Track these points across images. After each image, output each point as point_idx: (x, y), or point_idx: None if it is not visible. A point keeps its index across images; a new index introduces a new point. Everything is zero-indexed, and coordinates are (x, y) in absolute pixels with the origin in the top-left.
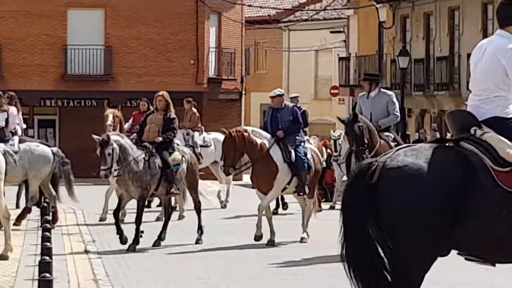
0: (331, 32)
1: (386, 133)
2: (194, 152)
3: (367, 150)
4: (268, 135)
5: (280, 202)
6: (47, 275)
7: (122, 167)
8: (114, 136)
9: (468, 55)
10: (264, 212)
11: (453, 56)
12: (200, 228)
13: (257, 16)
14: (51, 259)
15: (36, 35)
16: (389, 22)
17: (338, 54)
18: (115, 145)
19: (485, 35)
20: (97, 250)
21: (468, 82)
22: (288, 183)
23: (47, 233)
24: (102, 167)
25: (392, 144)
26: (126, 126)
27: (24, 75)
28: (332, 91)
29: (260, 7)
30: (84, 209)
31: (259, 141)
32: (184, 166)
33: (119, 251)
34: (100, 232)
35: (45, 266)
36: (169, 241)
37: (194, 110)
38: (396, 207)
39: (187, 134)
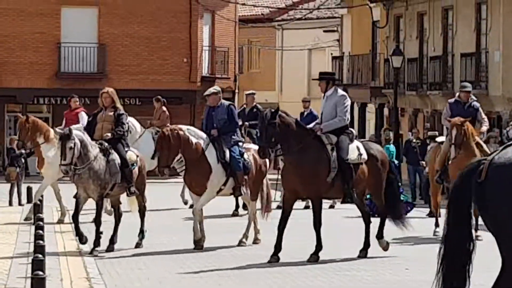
0: (324, 31)
1: (332, 135)
2: None
3: (279, 149)
4: (201, 132)
5: (240, 203)
6: (40, 273)
7: (84, 165)
8: (76, 131)
9: (462, 55)
10: (198, 217)
11: (446, 56)
12: (141, 232)
13: (250, 15)
14: (44, 257)
15: (30, 33)
16: (383, 21)
17: (331, 53)
18: (76, 140)
19: (478, 35)
20: (89, 247)
21: (461, 81)
22: (224, 184)
23: (40, 231)
24: (62, 162)
25: (329, 147)
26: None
27: (18, 73)
28: None
29: (254, 5)
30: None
31: (194, 140)
32: (136, 167)
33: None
34: (93, 230)
35: (38, 264)
36: (161, 239)
37: (164, 108)
38: (504, 204)
39: (156, 133)
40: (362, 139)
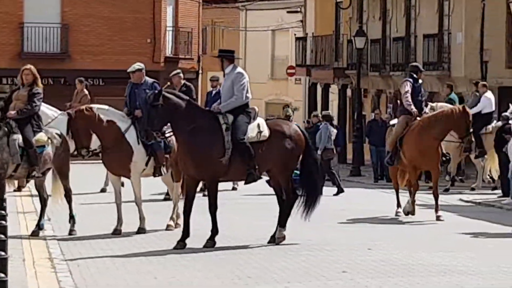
0: (288, 12)
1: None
2: None
3: (158, 133)
4: (120, 112)
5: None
6: (2, 253)
7: None
8: None
9: (424, 36)
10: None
11: (409, 37)
12: (72, 217)
13: None
14: (6, 238)
15: None
16: (346, 2)
17: (295, 34)
18: None
19: (441, 16)
20: (52, 228)
21: (424, 63)
22: (146, 164)
23: (2, 212)
24: None
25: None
26: None
27: None
28: (289, 71)
29: None
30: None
31: (105, 118)
32: (50, 149)
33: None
34: (56, 211)
35: (0, 245)
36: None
37: (86, 91)
38: None
39: None
40: (275, 117)
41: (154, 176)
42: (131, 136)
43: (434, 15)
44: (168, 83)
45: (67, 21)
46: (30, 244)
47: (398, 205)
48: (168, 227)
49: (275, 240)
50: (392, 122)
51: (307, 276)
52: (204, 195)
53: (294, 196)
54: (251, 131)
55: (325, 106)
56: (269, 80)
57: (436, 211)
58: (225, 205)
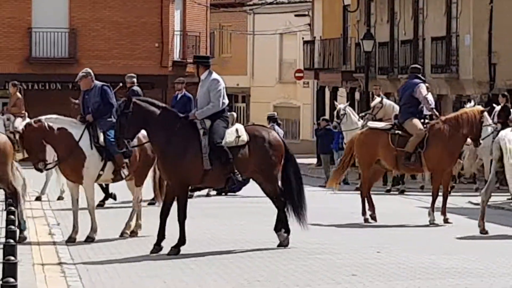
0: (295, 15)
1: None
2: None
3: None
4: (69, 119)
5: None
6: (12, 258)
7: None
8: None
9: (432, 39)
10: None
11: (417, 40)
12: (19, 223)
13: None
14: (15, 242)
15: (1, 18)
16: (354, 5)
17: (302, 38)
18: None
19: (449, 19)
20: (61, 233)
21: (432, 66)
22: (102, 169)
23: (12, 216)
24: None
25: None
26: None
27: None
28: (297, 74)
29: None
30: (48, 193)
31: (55, 126)
32: None
33: (84, 235)
34: (65, 215)
35: (9, 249)
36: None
37: (19, 95)
38: None
39: (8, 119)
40: (254, 124)
41: (114, 181)
42: (84, 141)
43: (442, 17)
44: (120, 84)
45: (75, 26)
46: (39, 249)
47: (372, 211)
48: (130, 234)
49: (283, 243)
50: (374, 125)
51: (316, 280)
52: (208, 195)
53: (284, 200)
54: (229, 136)
55: (333, 109)
56: (277, 83)
57: (444, 213)
58: (232, 209)
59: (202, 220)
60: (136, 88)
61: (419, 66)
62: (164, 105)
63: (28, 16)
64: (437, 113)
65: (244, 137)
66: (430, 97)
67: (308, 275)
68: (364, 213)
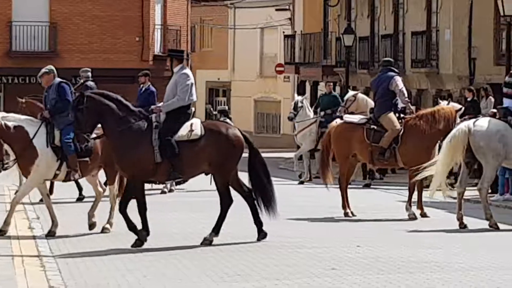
0: (276, 9)
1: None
2: None
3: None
4: (25, 117)
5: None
6: None
7: None
8: None
9: (413, 33)
10: (19, 204)
11: (397, 34)
12: None
13: None
14: None
15: None
16: (334, 0)
17: (283, 32)
18: None
19: (429, 13)
20: (41, 227)
21: (412, 60)
22: (59, 169)
23: None
24: None
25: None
26: None
27: None
28: (278, 68)
29: None
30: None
31: (12, 125)
32: None
33: (64, 228)
34: (44, 209)
35: None
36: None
37: None
38: None
39: None
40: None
41: (65, 181)
42: (39, 139)
43: (422, 12)
44: (81, 81)
45: (55, 19)
46: (19, 243)
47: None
48: (104, 230)
49: (261, 236)
50: (348, 118)
51: (296, 273)
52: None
53: (229, 201)
54: (183, 130)
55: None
56: (258, 78)
57: (421, 208)
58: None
59: (185, 214)
60: (90, 83)
61: (391, 59)
62: (118, 97)
63: (8, 10)
64: (411, 106)
65: (198, 131)
66: (404, 89)
67: (288, 269)
68: (344, 207)
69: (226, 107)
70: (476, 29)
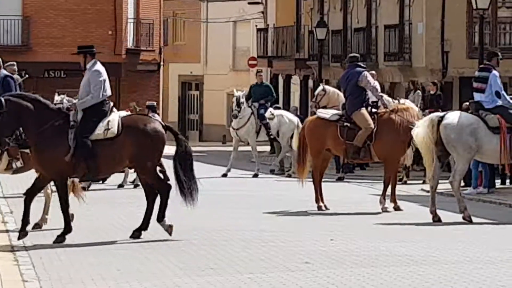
0: (249, 3)
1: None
2: None
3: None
4: None
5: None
6: None
7: None
8: None
9: (385, 27)
10: None
11: (370, 28)
12: None
13: None
14: None
15: None
16: None
17: (256, 25)
18: None
19: (401, 7)
20: (14, 221)
21: (385, 54)
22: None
23: None
24: None
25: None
26: None
27: None
28: (250, 62)
29: None
30: (1, 180)
31: None
32: None
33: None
34: (18, 203)
35: None
36: (87, 214)
37: None
38: None
39: None
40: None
41: (5, 171)
42: None
43: (394, 5)
44: (27, 75)
45: (28, 13)
46: None
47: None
48: (35, 226)
49: (139, 236)
50: (321, 114)
51: (269, 267)
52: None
53: (166, 186)
54: (99, 129)
55: (287, 97)
56: (231, 71)
57: (394, 201)
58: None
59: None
60: (16, 76)
61: (357, 55)
62: (37, 97)
63: None
64: (385, 101)
65: (114, 129)
66: (376, 84)
67: (262, 263)
68: (317, 200)
69: (154, 103)
70: (448, 23)
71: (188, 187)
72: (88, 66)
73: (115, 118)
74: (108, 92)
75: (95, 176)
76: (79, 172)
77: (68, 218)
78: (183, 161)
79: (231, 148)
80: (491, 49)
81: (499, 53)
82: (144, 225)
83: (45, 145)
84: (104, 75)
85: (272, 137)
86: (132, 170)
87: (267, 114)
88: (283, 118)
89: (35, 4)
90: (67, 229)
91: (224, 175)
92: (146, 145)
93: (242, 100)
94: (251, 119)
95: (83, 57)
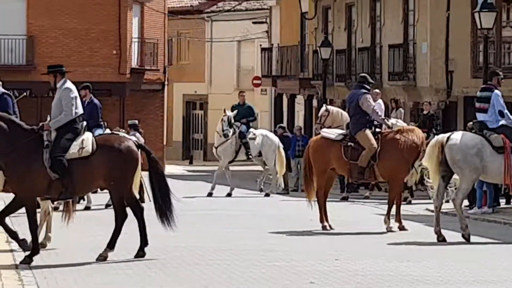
0: (253, 22)
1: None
2: None
3: None
4: None
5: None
6: None
7: None
8: None
9: (390, 46)
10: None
11: (374, 47)
12: None
13: (179, 7)
14: None
15: None
16: (311, 12)
17: (260, 45)
18: None
19: (406, 26)
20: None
21: (389, 73)
22: None
23: None
24: None
25: None
26: None
27: None
28: (255, 81)
29: None
30: (6, 199)
31: None
32: None
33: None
34: (22, 222)
35: None
36: (91, 233)
37: None
38: None
39: None
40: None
41: (3, 189)
42: None
43: (399, 25)
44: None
45: (32, 32)
46: None
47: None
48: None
49: (139, 255)
50: (325, 133)
51: (274, 287)
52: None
53: (139, 208)
54: (73, 148)
55: (291, 116)
56: (235, 90)
57: (399, 221)
58: (194, 216)
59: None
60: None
61: (366, 75)
62: (12, 118)
63: None
64: (388, 123)
65: (89, 148)
66: (379, 106)
67: (266, 282)
68: (322, 220)
69: (136, 121)
70: (453, 42)
71: (162, 207)
72: (58, 85)
73: (89, 137)
74: (80, 110)
75: (72, 195)
76: (55, 192)
77: (36, 239)
78: (157, 181)
79: (236, 168)
80: (492, 68)
81: (500, 72)
82: (143, 242)
83: (18, 165)
84: (75, 93)
85: (251, 157)
86: None
87: (250, 135)
88: (267, 139)
89: (39, 23)
90: (35, 250)
91: (209, 194)
92: (119, 165)
93: (232, 120)
94: (232, 138)
95: (53, 76)
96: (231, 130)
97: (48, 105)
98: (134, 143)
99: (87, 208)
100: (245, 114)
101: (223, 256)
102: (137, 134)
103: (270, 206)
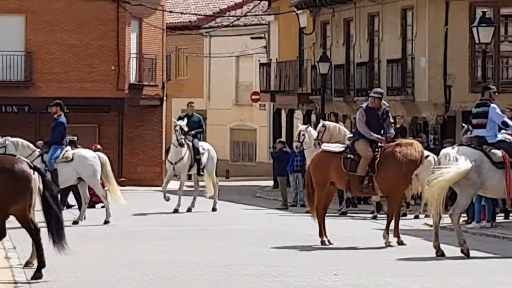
0: (252, 38)
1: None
2: None
3: None
4: None
5: None
6: None
7: None
8: None
9: (388, 61)
10: None
11: (372, 62)
12: None
13: (178, 22)
14: None
15: None
16: (310, 28)
17: (259, 60)
18: None
19: (404, 41)
20: (18, 257)
21: (388, 88)
22: None
23: None
24: None
25: None
26: None
27: None
28: (253, 96)
29: (181, 13)
30: None
31: None
32: None
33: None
34: (21, 239)
35: None
36: (96, 247)
37: None
38: None
39: None
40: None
41: None
42: None
43: (397, 40)
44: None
45: (31, 49)
46: None
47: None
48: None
49: (34, 277)
50: (326, 147)
51: None
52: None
53: (35, 232)
54: None
55: (290, 131)
56: (234, 106)
57: (397, 236)
58: (192, 232)
59: (161, 242)
60: None
61: (378, 90)
62: None
63: None
64: (381, 138)
65: None
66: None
67: None
68: (321, 235)
69: (75, 138)
70: (451, 57)
71: (53, 232)
72: None
73: None
74: None
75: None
76: None
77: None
78: (49, 204)
79: (236, 183)
80: (484, 84)
81: (492, 86)
82: (40, 263)
83: None
84: None
85: (202, 174)
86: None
87: (201, 149)
88: (210, 152)
89: (38, 39)
90: (41, 263)
91: (175, 211)
92: (8, 186)
93: (186, 129)
94: (187, 153)
95: None
96: (186, 139)
97: (46, 121)
98: (28, 164)
99: (75, 222)
100: (193, 126)
101: (222, 271)
102: (78, 149)
103: (269, 221)
